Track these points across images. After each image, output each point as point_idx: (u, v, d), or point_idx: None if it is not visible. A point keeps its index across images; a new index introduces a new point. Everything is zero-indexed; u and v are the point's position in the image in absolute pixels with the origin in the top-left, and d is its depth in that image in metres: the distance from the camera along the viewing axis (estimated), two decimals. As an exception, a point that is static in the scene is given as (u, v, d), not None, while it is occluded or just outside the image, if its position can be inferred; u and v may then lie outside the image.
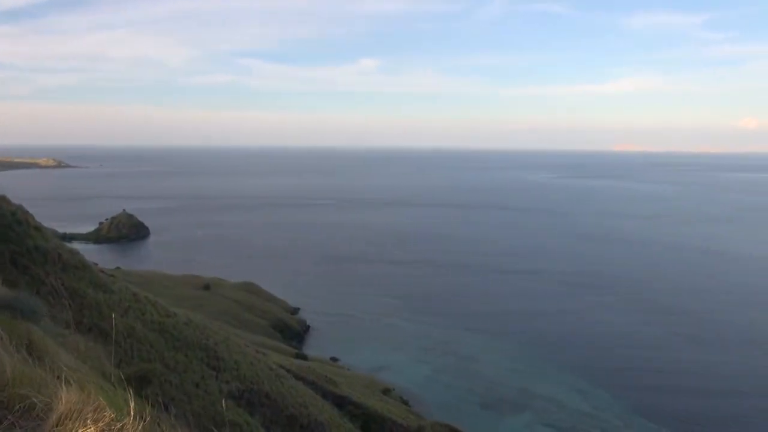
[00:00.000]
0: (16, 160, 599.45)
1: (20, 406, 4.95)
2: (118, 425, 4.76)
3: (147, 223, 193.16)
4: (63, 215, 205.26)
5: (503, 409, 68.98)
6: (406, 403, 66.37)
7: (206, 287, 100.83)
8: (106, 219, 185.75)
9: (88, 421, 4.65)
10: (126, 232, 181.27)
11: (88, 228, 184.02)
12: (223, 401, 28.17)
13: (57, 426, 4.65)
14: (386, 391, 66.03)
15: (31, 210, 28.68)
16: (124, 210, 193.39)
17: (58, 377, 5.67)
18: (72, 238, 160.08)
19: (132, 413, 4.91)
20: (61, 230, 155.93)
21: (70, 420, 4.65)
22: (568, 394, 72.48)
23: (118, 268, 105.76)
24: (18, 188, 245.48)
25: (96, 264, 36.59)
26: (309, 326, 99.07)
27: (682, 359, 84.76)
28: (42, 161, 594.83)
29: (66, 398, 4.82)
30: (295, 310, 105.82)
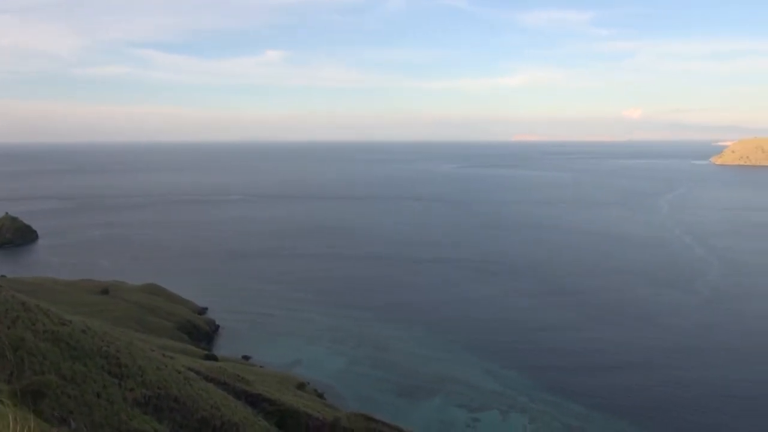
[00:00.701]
0: None
1: None
2: None
3: (35, 226, 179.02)
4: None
5: (417, 395, 70.60)
6: (321, 396, 66.30)
7: (105, 291, 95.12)
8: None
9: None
10: (10, 236, 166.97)
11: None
12: (128, 409, 26.77)
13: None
14: (301, 386, 65.57)
15: None
16: (6, 213, 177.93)
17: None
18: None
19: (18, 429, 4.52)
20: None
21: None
22: (478, 376, 75.39)
23: (2, 276, 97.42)
24: None
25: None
26: (218, 326, 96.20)
27: (582, 337, 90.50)
28: None
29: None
30: (202, 310, 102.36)
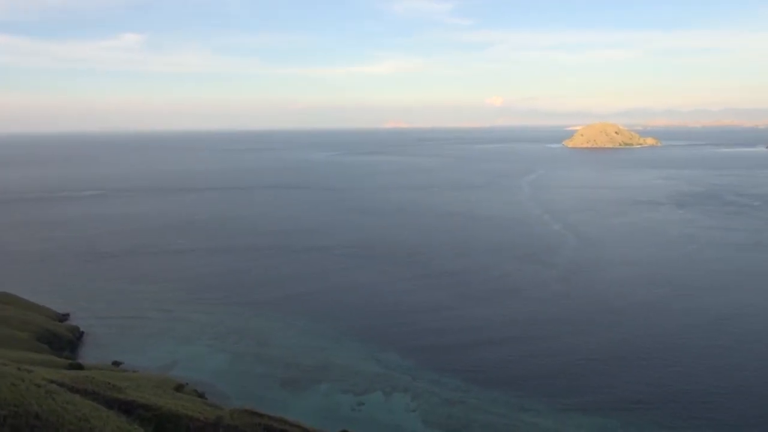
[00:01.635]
0: None
1: None
2: None
3: None
4: None
5: (302, 385, 70.41)
6: (202, 396, 63.84)
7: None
8: None
9: None
10: None
11: None
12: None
13: None
14: (179, 388, 62.63)
15: None
16: None
17: None
18: None
19: None
20: None
21: None
22: (361, 361, 76.72)
23: None
24: None
25: None
26: (83, 332, 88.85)
27: (457, 315, 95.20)
28: None
29: None
30: (63, 317, 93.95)
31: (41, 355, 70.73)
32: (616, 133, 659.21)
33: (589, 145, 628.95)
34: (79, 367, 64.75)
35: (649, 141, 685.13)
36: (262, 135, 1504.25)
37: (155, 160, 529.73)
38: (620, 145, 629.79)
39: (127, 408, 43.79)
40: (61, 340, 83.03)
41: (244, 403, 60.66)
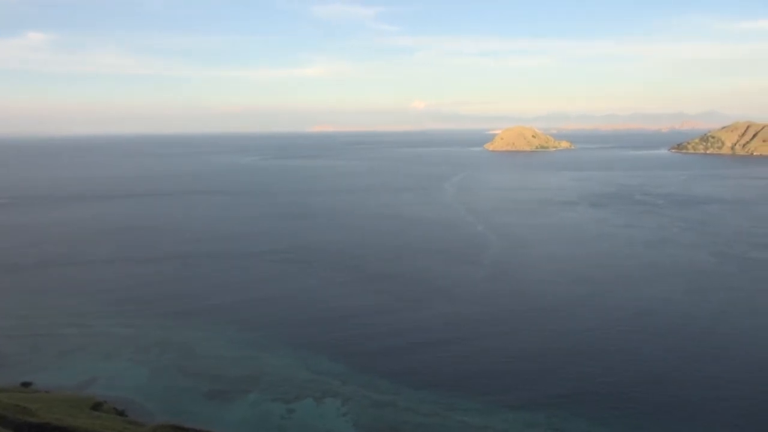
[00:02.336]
0: None
1: None
2: None
3: None
4: None
5: (229, 396, 68.69)
6: (122, 413, 61.01)
7: None
8: None
9: None
10: None
11: None
12: None
13: None
14: (97, 406, 59.60)
15: None
16: None
17: None
18: None
19: None
20: None
21: None
22: (292, 369, 75.80)
23: None
24: None
25: None
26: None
27: (389, 319, 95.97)
28: None
29: None
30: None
31: (-61, 379, 65.25)
32: (533, 136, 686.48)
33: (508, 148, 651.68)
34: (-16, 390, 60.23)
35: (564, 144, 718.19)
36: (188, 138, 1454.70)
37: (71, 165, 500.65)
38: (537, 148, 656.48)
39: (39, 431, 41.25)
40: (-37, 362, 76.85)
41: (169, 418, 58.66)
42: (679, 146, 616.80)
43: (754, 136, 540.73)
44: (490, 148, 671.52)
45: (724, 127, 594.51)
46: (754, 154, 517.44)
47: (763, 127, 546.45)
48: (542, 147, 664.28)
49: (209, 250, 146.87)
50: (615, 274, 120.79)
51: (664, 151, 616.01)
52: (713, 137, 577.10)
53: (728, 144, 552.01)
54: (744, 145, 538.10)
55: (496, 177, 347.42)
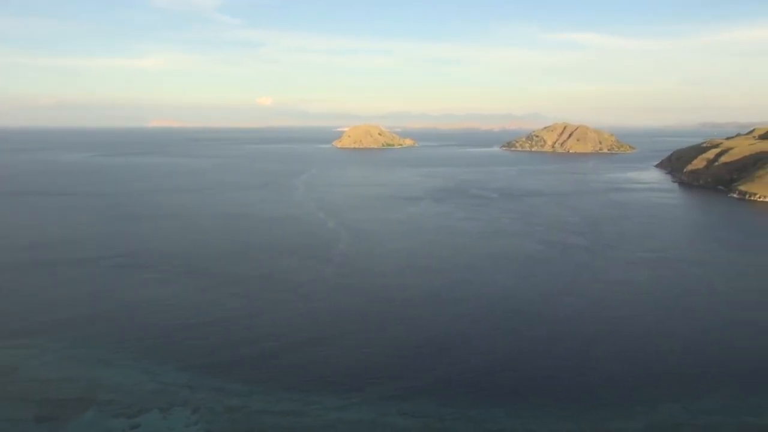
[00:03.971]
0: None
1: None
2: None
3: None
4: None
5: (63, 417, 62.46)
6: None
7: None
8: None
9: None
10: None
11: None
12: None
13: None
14: None
15: None
16: None
17: None
18: None
19: None
20: None
21: None
22: (135, 381, 70.86)
23: None
24: None
25: None
26: None
27: (241, 322, 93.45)
28: None
29: None
30: None
31: None
32: (379, 134, 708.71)
33: (355, 146, 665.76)
34: None
35: (408, 142, 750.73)
36: (10, 133, 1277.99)
37: None
38: (383, 145, 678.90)
39: None
40: None
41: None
42: (509, 144, 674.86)
43: (570, 135, 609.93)
44: (339, 145, 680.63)
45: (545, 128, 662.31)
46: (570, 151, 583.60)
47: (576, 128, 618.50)
48: (388, 144, 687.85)
49: (37, 258, 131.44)
50: (456, 264, 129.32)
51: (496, 149, 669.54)
52: (537, 136, 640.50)
53: (549, 142, 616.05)
54: (562, 144, 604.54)
55: (345, 173, 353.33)
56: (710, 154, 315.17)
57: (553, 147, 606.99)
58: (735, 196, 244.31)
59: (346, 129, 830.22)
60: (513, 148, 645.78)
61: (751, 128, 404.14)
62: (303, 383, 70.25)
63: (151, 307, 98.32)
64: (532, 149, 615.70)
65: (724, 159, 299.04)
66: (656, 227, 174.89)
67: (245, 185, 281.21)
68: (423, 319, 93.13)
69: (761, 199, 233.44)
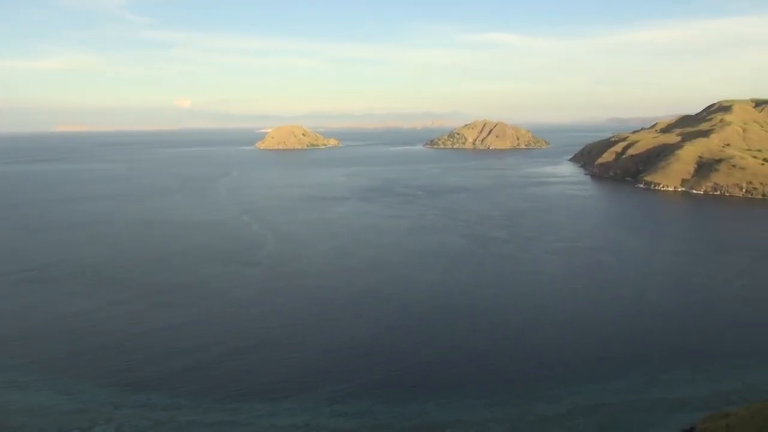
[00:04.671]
0: None
1: None
2: None
3: None
4: None
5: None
6: None
7: None
8: None
9: None
10: None
11: None
12: None
13: None
14: None
15: None
16: None
17: None
18: None
19: None
20: None
21: None
22: (51, 401, 66.72)
23: None
24: None
25: None
26: None
27: (162, 331, 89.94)
28: None
29: None
30: None
31: None
32: (303, 134, 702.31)
33: (279, 147, 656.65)
34: None
35: (332, 142, 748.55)
36: None
37: None
38: (307, 146, 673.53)
39: None
40: None
41: None
42: (432, 142, 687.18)
43: (490, 132, 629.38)
44: (262, 147, 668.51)
45: (466, 125, 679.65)
46: (490, 148, 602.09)
47: (496, 125, 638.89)
48: (312, 145, 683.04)
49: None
50: (385, 263, 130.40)
51: (419, 147, 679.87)
52: (458, 134, 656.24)
53: (470, 140, 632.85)
54: (482, 141, 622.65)
55: (269, 175, 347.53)
56: (618, 147, 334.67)
57: (473, 144, 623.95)
58: (641, 186, 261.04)
59: (269, 130, 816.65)
60: (436, 146, 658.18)
61: (654, 122, 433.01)
62: (233, 393, 68.59)
63: (64, 325, 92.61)
64: (454, 146, 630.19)
65: (630, 152, 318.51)
66: (571, 218, 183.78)
67: (163, 190, 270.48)
68: (354, 319, 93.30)
69: (664, 188, 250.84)
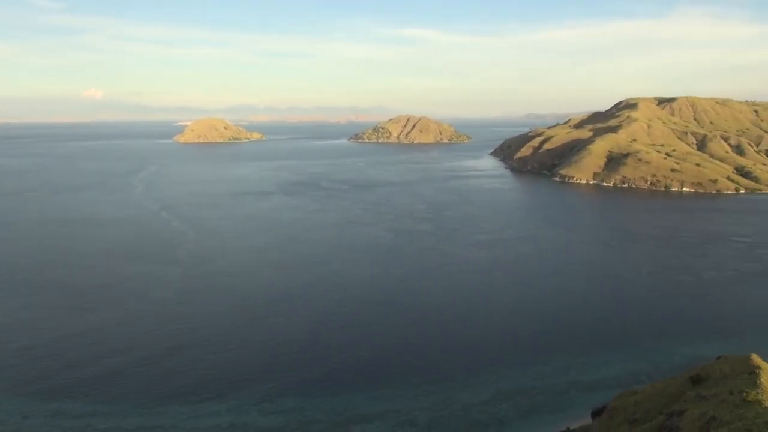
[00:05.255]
0: None
1: None
2: None
3: None
4: None
5: None
6: None
7: None
8: None
9: None
10: None
11: None
12: None
13: None
14: None
15: None
16: None
17: None
18: None
19: None
20: None
21: None
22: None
23: None
24: None
25: None
26: None
27: (76, 337, 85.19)
28: None
29: None
30: None
31: None
32: (225, 128, 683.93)
33: (200, 140, 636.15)
34: None
35: (256, 135, 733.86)
36: None
37: None
38: (230, 139, 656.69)
39: None
40: None
41: None
42: (357, 136, 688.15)
43: (414, 127, 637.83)
44: (182, 141, 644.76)
45: (390, 120, 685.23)
46: (414, 142, 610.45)
47: (419, 120, 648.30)
48: (235, 138, 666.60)
49: None
50: (312, 258, 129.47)
51: (344, 141, 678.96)
52: (383, 128, 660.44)
53: (395, 134, 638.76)
54: (407, 135, 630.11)
55: (190, 170, 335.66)
56: (535, 142, 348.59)
57: (398, 138, 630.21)
58: (557, 179, 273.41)
59: (188, 123, 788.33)
60: (361, 140, 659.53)
61: (567, 118, 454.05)
62: (155, 397, 66.07)
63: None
64: (379, 141, 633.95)
65: (546, 146, 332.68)
66: (493, 211, 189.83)
67: (74, 186, 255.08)
68: (282, 317, 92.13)
69: (578, 181, 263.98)
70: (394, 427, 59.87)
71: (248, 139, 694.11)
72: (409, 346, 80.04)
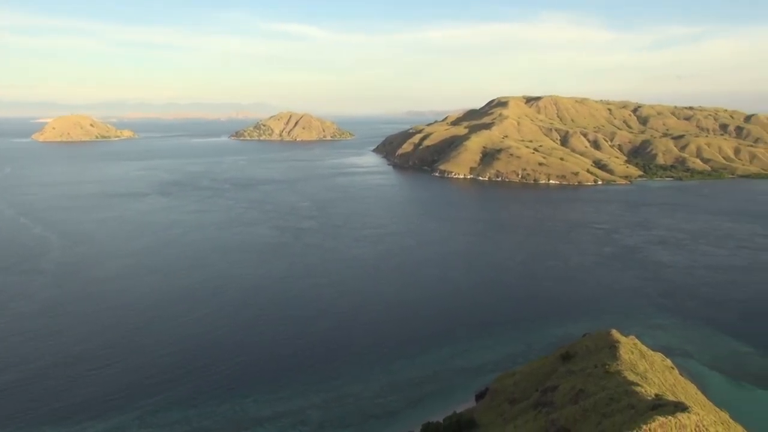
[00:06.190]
0: None
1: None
2: None
3: None
4: None
5: None
6: None
7: None
8: None
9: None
10: None
11: None
12: None
13: None
14: None
15: None
16: None
17: None
18: None
19: None
20: None
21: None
22: None
23: None
24: None
25: None
26: None
27: None
28: None
29: None
30: None
31: None
32: (91, 125, 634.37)
33: (63, 139, 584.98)
34: None
35: (127, 133, 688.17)
36: None
37: None
38: (97, 137, 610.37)
39: None
40: None
41: None
42: (238, 134, 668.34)
43: (296, 124, 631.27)
44: (41, 139, 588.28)
45: (272, 117, 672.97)
46: (297, 139, 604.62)
47: (301, 117, 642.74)
48: (103, 137, 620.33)
49: None
50: (192, 261, 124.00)
51: (225, 139, 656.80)
52: (265, 125, 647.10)
53: (277, 131, 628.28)
54: (289, 132, 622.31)
55: (52, 171, 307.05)
56: (415, 138, 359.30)
57: (280, 135, 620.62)
58: (437, 174, 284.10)
59: (49, 120, 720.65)
60: (242, 138, 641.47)
61: (445, 116, 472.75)
62: (18, 424, 60.11)
63: None
64: (261, 138, 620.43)
65: (426, 143, 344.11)
66: (377, 206, 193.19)
67: None
68: (161, 326, 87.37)
69: (456, 176, 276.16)
70: (286, 429, 59.19)
71: (118, 137, 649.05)
72: (300, 345, 79.42)
